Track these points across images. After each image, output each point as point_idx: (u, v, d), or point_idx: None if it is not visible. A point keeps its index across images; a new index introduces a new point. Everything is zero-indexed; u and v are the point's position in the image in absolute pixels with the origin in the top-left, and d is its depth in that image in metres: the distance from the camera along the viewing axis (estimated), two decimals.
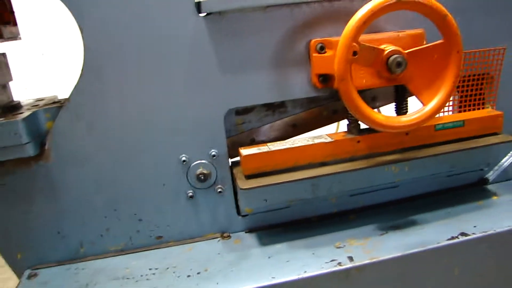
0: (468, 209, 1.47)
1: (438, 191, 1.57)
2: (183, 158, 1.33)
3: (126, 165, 1.32)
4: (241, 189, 1.26)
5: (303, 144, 1.31)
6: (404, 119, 1.22)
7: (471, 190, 1.59)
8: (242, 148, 1.32)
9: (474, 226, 1.35)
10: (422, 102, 1.25)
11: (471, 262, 1.33)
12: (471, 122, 1.42)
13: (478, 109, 1.54)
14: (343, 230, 1.40)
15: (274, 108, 1.45)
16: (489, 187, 1.60)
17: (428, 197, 1.55)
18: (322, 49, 1.29)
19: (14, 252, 1.36)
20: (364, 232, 1.38)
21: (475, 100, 1.53)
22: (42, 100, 1.47)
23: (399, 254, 1.25)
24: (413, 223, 1.40)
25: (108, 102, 1.27)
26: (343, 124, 1.57)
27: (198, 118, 1.31)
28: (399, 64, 1.20)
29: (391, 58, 1.20)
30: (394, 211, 1.48)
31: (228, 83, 1.30)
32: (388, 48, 1.21)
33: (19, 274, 1.39)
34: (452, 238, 1.30)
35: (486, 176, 1.62)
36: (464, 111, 1.54)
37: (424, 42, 1.29)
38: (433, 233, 1.34)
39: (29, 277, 1.35)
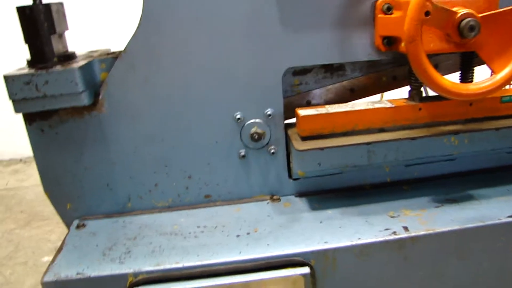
0: None
1: (497, 168, 1.50)
2: (238, 116, 1.30)
3: (179, 120, 1.30)
4: (297, 150, 1.22)
5: (363, 108, 1.26)
6: (473, 86, 1.16)
7: None
8: (299, 108, 1.28)
9: None
10: (493, 70, 1.18)
11: None
12: None
13: None
14: (397, 200, 1.36)
15: (332, 70, 1.40)
16: None
17: (486, 173, 1.49)
18: (389, 10, 1.22)
19: (64, 202, 1.37)
20: (419, 203, 1.33)
21: None
22: (96, 51, 1.46)
23: (456, 227, 1.20)
24: (470, 198, 1.35)
25: (164, 54, 1.25)
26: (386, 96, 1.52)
27: (256, 75, 1.28)
28: (472, 28, 1.13)
29: (464, 22, 1.13)
30: (450, 185, 1.43)
31: (289, 40, 1.26)
32: (461, 10, 1.14)
33: (68, 224, 1.39)
34: None
35: None
36: None
37: (498, 6, 1.21)
38: (492, 209, 1.28)
39: (78, 227, 1.35)
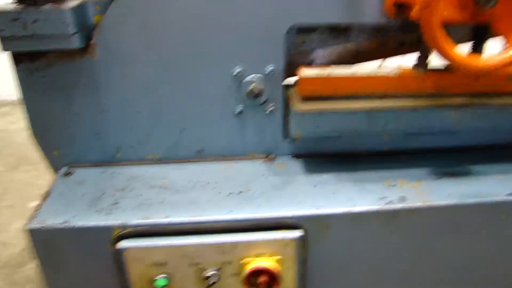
0: None
1: (498, 145, 1.47)
2: (237, 70, 1.24)
3: (175, 69, 1.24)
4: (295, 110, 1.18)
5: (366, 73, 1.21)
6: (486, 59, 1.10)
7: None
8: (302, 67, 1.22)
9: None
10: (508, 44, 1.13)
11: None
12: None
13: None
14: (394, 169, 1.33)
15: (338, 31, 1.34)
16: None
17: (487, 149, 1.45)
18: None
19: (52, 147, 1.32)
20: (416, 175, 1.30)
21: None
22: None
23: (454, 201, 1.17)
24: (469, 173, 1.32)
25: None
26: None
27: (258, 30, 1.21)
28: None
29: None
30: (450, 158, 1.39)
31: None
32: None
33: (55, 170, 1.35)
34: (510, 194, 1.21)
35: None
36: None
37: None
38: (490, 186, 1.25)
39: (65, 174, 1.31)
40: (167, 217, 1.10)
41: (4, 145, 3.82)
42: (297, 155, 1.38)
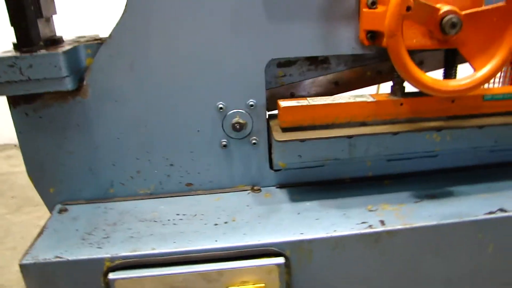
0: (510, 186, 1.41)
1: (478, 166, 1.51)
2: (220, 106, 1.31)
3: (163, 107, 1.31)
4: (277, 141, 1.23)
5: (344, 101, 1.27)
6: (453, 83, 1.16)
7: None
8: (281, 100, 1.28)
9: None
10: (473, 68, 1.19)
11: (507, 240, 1.28)
12: None
13: None
14: (377, 194, 1.37)
15: (317, 63, 1.41)
16: None
17: (468, 171, 1.50)
18: (373, 4, 1.23)
19: (47, 186, 1.38)
20: (398, 198, 1.34)
21: None
22: (84, 37, 1.46)
23: (433, 222, 1.21)
24: (450, 194, 1.36)
25: (150, 41, 1.25)
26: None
27: (239, 65, 1.28)
28: (453, 25, 1.14)
29: (446, 18, 1.14)
30: (431, 181, 1.43)
31: (273, 32, 1.26)
32: (444, 7, 1.15)
33: (50, 209, 1.40)
34: (490, 213, 1.25)
35: None
36: None
37: (483, 4, 1.21)
38: (470, 206, 1.29)
39: (60, 211, 1.36)
40: (154, 249, 1.15)
41: (6, 187, 3.88)
42: (282, 185, 1.43)
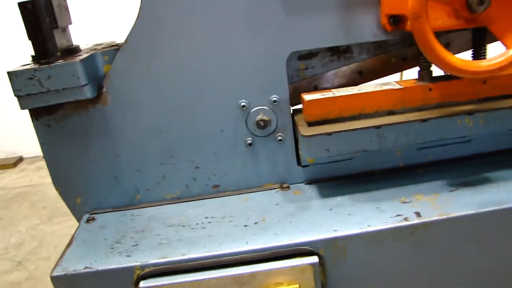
0: None
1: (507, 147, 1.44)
2: (243, 104, 1.27)
3: (183, 110, 1.28)
4: (303, 136, 1.19)
5: (370, 91, 1.22)
6: (484, 63, 1.10)
7: None
8: (304, 93, 1.25)
9: None
10: (505, 46, 1.12)
11: None
12: None
13: None
14: (409, 185, 1.32)
15: (339, 53, 1.36)
16: None
17: (503, 154, 1.43)
18: None
19: (73, 196, 1.37)
20: (432, 188, 1.29)
21: None
22: (101, 44, 1.45)
23: (471, 211, 1.15)
24: (486, 181, 1.30)
25: (165, 44, 1.23)
26: (407, 74, 1.47)
27: (259, 61, 1.25)
28: (481, 2, 1.08)
29: None
30: (465, 168, 1.37)
31: (292, 24, 1.22)
32: None
33: (78, 218, 1.39)
34: None
35: None
36: None
37: None
38: (509, 192, 1.23)
39: (88, 221, 1.35)
40: (183, 254, 1.12)
41: (38, 199, 3.93)
42: (312, 181, 1.39)
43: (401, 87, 1.23)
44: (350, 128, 1.19)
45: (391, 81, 1.29)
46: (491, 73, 1.10)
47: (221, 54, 1.24)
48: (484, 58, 1.27)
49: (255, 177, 1.37)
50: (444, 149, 1.40)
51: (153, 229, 1.26)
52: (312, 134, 1.18)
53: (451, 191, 1.26)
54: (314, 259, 1.11)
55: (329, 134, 1.20)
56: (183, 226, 1.25)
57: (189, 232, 1.22)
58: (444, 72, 1.19)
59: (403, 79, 2.28)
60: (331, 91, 1.25)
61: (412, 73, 1.40)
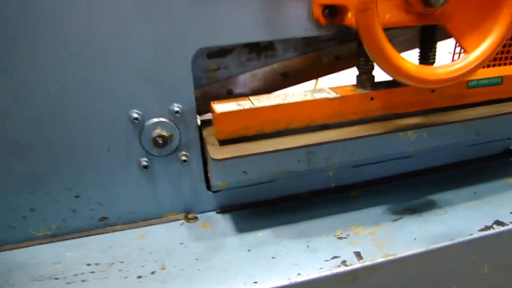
0: (497, 188, 1.17)
1: (456, 163, 1.27)
2: (135, 115, 0.97)
3: (56, 122, 0.96)
4: (213, 159, 0.91)
5: (299, 100, 0.97)
6: (442, 70, 0.88)
7: (495, 163, 1.29)
8: (215, 102, 0.97)
9: (511, 212, 1.05)
10: (464, 49, 0.91)
11: (504, 257, 1.04)
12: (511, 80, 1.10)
13: None
14: (344, 212, 1.09)
15: (259, 50, 1.09)
16: None
17: (445, 170, 1.25)
18: None
19: None
20: (371, 216, 1.07)
21: None
22: None
23: (421, 249, 0.94)
24: (432, 205, 1.10)
25: (30, 37, 0.89)
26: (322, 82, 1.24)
27: (155, 60, 0.95)
28: None
29: None
30: (406, 188, 1.17)
31: (199, 13, 0.93)
32: None
33: None
34: (486, 228, 1.00)
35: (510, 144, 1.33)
36: (499, 65, 1.22)
37: None
38: (460, 220, 1.04)
39: None
40: None
41: None
42: (224, 209, 1.12)
43: (337, 95, 0.98)
44: (274, 149, 0.93)
45: (324, 87, 1.04)
46: (449, 82, 0.88)
47: (104, 50, 0.92)
48: (433, 62, 1.06)
49: (154, 206, 1.08)
50: (381, 167, 1.19)
51: (14, 284, 0.93)
52: (224, 157, 0.91)
53: (393, 220, 1.05)
54: None
55: (246, 156, 0.93)
56: (56, 279, 0.93)
57: None
58: (389, 77, 0.96)
59: (318, 85, 2.06)
60: (249, 99, 0.98)
61: (332, 78, 1.17)
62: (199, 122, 1.05)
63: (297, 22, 0.98)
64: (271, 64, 1.13)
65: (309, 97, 0.97)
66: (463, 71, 0.88)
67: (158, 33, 0.93)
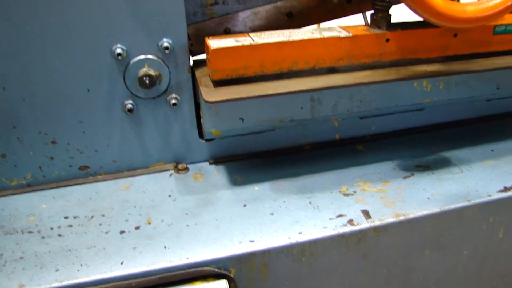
0: None
1: (473, 119, 1.17)
2: (118, 50, 0.85)
3: (29, 58, 0.84)
4: (207, 102, 0.80)
5: (306, 38, 0.85)
6: (471, 8, 0.76)
7: None
8: (210, 38, 0.85)
9: None
10: None
11: None
12: None
13: None
14: (350, 166, 0.99)
15: None
16: None
17: (460, 126, 1.15)
18: None
19: None
20: (380, 172, 0.97)
21: None
22: None
23: (435, 210, 0.85)
24: (447, 163, 1.00)
25: None
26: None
27: None
28: None
29: None
30: (419, 143, 1.08)
31: None
32: None
33: None
34: (506, 189, 0.91)
35: None
36: None
37: None
38: (477, 180, 0.94)
39: None
40: (22, 286, 0.72)
41: None
42: (218, 160, 1.02)
43: (349, 35, 0.87)
44: (275, 93, 0.82)
45: (334, 25, 0.93)
46: (481, 22, 0.77)
47: None
48: None
49: (140, 155, 0.97)
50: (392, 118, 1.08)
51: None
52: (219, 100, 0.79)
53: (404, 177, 0.95)
54: (222, 284, 0.75)
55: (244, 99, 0.82)
56: (30, 232, 0.84)
57: (37, 244, 0.81)
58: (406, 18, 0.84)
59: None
60: (249, 36, 0.86)
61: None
62: (191, 62, 0.93)
63: None
64: (275, 1, 1.00)
65: (316, 35, 0.85)
66: (496, 9, 0.76)
67: None
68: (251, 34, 0.87)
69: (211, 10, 0.97)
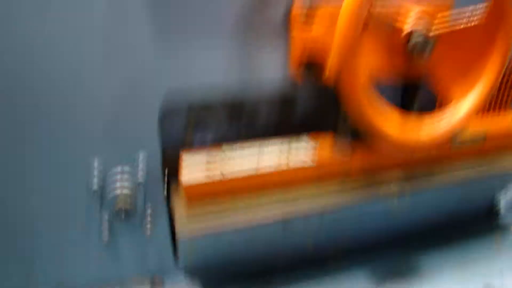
0: (484, 250, 1.09)
1: (439, 225, 1.18)
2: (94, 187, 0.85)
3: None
4: (182, 237, 0.80)
5: (273, 170, 0.86)
6: (426, 132, 0.81)
7: (479, 223, 1.21)
8: (185, 151, 0.87)
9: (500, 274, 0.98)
10: (447, 99, 0.86)
11: None
12: (494, 136, 1.03)
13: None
14: (324, 285, 0.98)
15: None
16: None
17: (428, 233, 1.16)
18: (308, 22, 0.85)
19: None
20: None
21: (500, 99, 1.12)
22: None
23: None
24: (419, 273, 1.01)
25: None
26: None
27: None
28: (423, 46, 0.80)
29: (414, 38, 0.80)
30: (389, 254, 1.08)
31: (168, 58, 0.84)
32: (409, 23, 0.81)
33: None
34: None
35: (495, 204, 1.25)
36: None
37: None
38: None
39: None
40: None
41: None
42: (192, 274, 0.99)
43: (314, 162, 0.89)
44: (246, 223, 0.82)
45: (301, 144, 0.94)
46: (439, 141, 0.81)
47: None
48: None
49: (115, 270, 0.95)
50: (362, 234, 1.09)
51: None
52: (192, 235, 0.79)
53: None
54: None
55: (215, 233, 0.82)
56: None
57: None
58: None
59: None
60: (221, 150, 0.88)
61: None
62: (165, 191, 0.93)
63: (271, 78, 0.89)
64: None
65: (283, 166, 0.86)
66: (452, 127, 0.81)
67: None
68: (224, 147, 0.88)
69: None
